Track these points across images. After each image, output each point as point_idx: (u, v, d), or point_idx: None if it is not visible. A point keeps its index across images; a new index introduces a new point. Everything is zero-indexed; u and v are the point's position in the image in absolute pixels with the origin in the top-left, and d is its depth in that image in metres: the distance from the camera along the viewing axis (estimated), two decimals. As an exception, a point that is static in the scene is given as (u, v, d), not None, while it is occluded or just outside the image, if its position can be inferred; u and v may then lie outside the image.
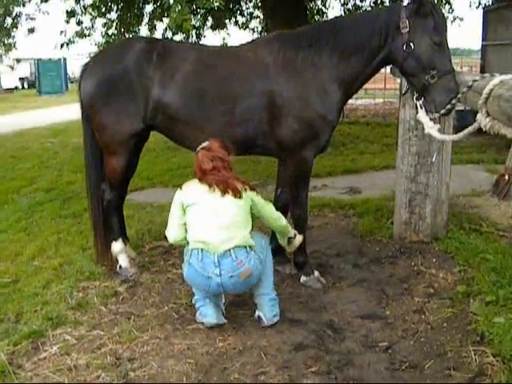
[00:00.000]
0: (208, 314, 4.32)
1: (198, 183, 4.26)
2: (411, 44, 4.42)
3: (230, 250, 4.12)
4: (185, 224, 4.31)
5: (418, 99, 4.54)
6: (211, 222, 4.15)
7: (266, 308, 4.38)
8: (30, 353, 4.04)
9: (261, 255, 4.31)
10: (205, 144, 4.37)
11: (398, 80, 6.28)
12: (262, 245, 4.39)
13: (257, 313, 4.42)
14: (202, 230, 4.18)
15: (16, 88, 42.22)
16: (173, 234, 4.40)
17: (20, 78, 43.54)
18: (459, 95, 4.10)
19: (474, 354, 3.81)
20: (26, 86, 44.55)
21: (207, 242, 4.13)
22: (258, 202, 4.37)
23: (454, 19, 14.21)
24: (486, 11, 14.68)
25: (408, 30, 4.42)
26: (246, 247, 4.19)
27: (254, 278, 4.26)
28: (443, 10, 13.54)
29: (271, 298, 4.42)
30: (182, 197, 4.30)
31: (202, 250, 4.15)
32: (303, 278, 5.13)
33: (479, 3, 14.51)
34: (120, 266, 5.35)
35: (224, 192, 4.17)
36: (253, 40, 5.54)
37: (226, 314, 4.46)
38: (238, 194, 4.19)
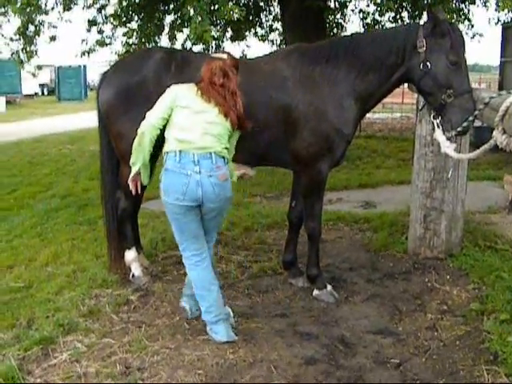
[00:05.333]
0: (219, 332, 4.26)
1: (197, 94, 4.19)
2: (428, 63, 4.43)
3: (210, 153, 4.09)
4: (166, 120, 4.23)
5: (434, 118, 4.53)
6: (200, 126, 4.11)
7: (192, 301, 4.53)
8: (40, 359, 4.05)
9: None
10: (219, 54, 4.37)
11: (416, 95, 6.27)
12: None
13: (183, 304, 4.60)
14: (187, 131, 4.12)
15: (36, 94, 42.61)
16: (151, 120, 4.23)
17: (40, 85, 43.95)
18: (476, 112, 4.09)
19: (487, 374, 3.77)
20: (45, 92, 44.96)
21: (189, 140, 4.08)
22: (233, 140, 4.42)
23: (474, 35, 14.14)
24: (505, 28, 14.59)
25: (425, 49, 4.43)
26: (224, 158, 4.19)
27: (229, 187, 4.23)
28: (463, 26, 13.53)
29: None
30: (177, 93, 4.24)
31: (180, 151, 4.08)
32: (316, 292, 5.10)
33: (498, 20, 14.44)
34: (133, 275, 5.36)
35: (223, 114, 4.16)
36: (271, 52, 5.56)
37: (236, 328, 4.43)
38: (234, 126, 4.23)
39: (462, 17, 13.62)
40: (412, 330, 4.46)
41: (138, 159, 4.31)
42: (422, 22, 4.75)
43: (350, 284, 5.39)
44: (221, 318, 4.29)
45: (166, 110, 4.21)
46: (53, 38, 12.37)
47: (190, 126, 4.13)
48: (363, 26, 14.09)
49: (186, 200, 4.08)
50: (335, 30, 14.81)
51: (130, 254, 5.39)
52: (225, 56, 4.35)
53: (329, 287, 5.11)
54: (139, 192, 4.54)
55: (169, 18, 13.42)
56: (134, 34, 12.82)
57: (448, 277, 5.46)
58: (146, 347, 4.17)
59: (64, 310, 4.75)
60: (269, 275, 5.59)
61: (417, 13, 12.42)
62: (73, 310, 4.76)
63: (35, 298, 5.03)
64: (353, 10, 14.67)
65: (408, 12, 12.96)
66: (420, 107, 5.59)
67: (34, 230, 7.24)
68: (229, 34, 14.86)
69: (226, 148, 4.24)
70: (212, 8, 8.37)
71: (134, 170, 4.36)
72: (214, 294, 4.32)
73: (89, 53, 12.90)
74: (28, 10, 10.40)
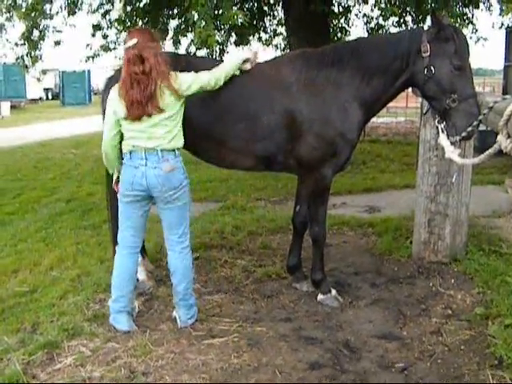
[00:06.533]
0: (121, 322, 4.53)
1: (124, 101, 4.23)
2: (432, 68, 4.43)
3: (157, 151, 4.26)
4: (120, 132, 4.41)
5: (439, 123, 4.53)
6: (143, 133, 4.24)
7: (181, 310, 4.61)
8: (45, 363, 4.05)
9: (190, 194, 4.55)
10: (131, 42, 4.22)
11: (420, 99, 6.27)
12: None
13: (174, 313, 4.68)
14: (133, 139, 4.29)
15: (40, 99, 42.80)
16: (107, 141, 4.48)
17: (45, 89, 44.13)
18: (480, 117, 4.09)
19: (492, 378, 3.76)
20: (50, 96, 45.13)
21: (138, 145, 4.27)
22: (187, 88, 4.36)
23: (478, 39, 14.12)
24: (509, 32, 14.59)
25: (429, 53, 4.44)
26: (174, 151, 4.34)
27: (176, 178, 4.34)
28: (467, 31, 13.51)
29: (189, 300, 4.63)
30: (114, 105, 4.32)
31: (131, 151, 4.33)
32: (320, 296, 5.10)
33: (502, 24, 14.43)
34: (137, 279, 5.36)
35: (149, 114, 4.19)
36: (276, 57, 5.55)
37: (240, 332, 4.47)
38: (160, 111, 4.21)
39: (466, 21, 13.60)
40: (416, 335, 4.45)
41: (112, 169, 4.67)
42: (426, 27, 4.76)
43: (355, 288, 5.39)
44: (126, 309, 4.56)
45: (114, 126, 4.42)
46: (57, 43, 12.41)
47: (133, 134, 4.30)
48: (367, 31, 14.09)
49: (134, 190, 4.37)
50: (339, 35, 14.81)
51: (135, 259, 5.39)
52: (134, 41, 4.22)
53: (333, 292, 5.11)
54: None
55: (173, 23, 13.45)
56: (139, 38, 12.84)
57: (452, 281, 5.46)
58: (151, 351, 4.17)
59: (69, 315, 4.75)
60: (273, 280, 5.59)
61: (421, 17, 12.42)
62: (77, 315, 4.76)
63: (40, 303, 5.03)
64: (357, 15, 14.69)
65: (412, 17, 12.95)
66: (424, 111, 5.60)
67: (38, 235, 7.25)
68: (233, 38, 14.88)
69: (178, 133, 4.37)
70: (216, 13, 8.37)
71: (114, 177, 4.71)
72: (130, 288, 4.62)
73: (93, 58, 12.94)
74: (33, 14, 10.44)
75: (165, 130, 4.26)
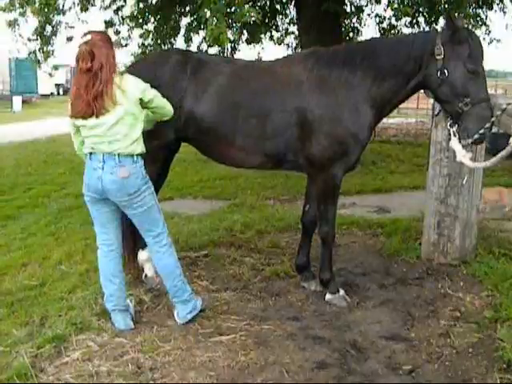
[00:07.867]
0: (117, 320, 4.53)
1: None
2: (445, 71, 4.40)
3: (114, 154, 4.19)
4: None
5: (451, 126, 4.51)
6: (104, 138, 4.15)
7: (178, 306, 4.63)
8: (53, 357, 4.07)
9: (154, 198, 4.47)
10: (84, 39, 4.13)
11: (431, 100, 6.24)
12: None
13: (174, 312, 4.69)
14: (96, 144, 4.21)
15: (52, 94, 42.87)
16: (77, 151, 4.54)
17: (56, 85, 44.21)
18: (493, 119, 4.06)
19: (500, 382, 3.73)
20: (61, 92, 45.21)
21: (100, 148, 4.20)
22: (144, 97, 4.26)
23: (491, 41, 14.06)
24: (523, 34, 14.52)
25: (443, 56, 4.40)
26: (132, 156, 4.25)
27: (131, 184, 4.24)
28: (480, 32, 13.46)
29: (182, 296, 4.61)
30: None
31: (90, 153, 4.27)
32: (328, 296, 5.10)
33: (515, 26, 14.34)
34: (146, 275, 5.38)
35: (96, 114, 4.10)
36: (287, 56, 5.55)
37: (248, 331, 4.48)
38: (107, 112, 4.09)
39: (479, 22, 13.56)
40: (424, 337, 4.43)
41: None
42: (439, 28, 4.72)
43: (363, 289, 5.38)
44: (118, 308, 4.54)
45: (76, 134, 4.38)
46: (70, 39, 12.43)
47: (93, 139, 4.22)
48: (379, 31, 14.07)
49: (90, 191, 4.35)
50: (351, 34, 14.79)
51: (143, 255, 5.39)
52: (87, 37, 4.14)
53: (341, 291, 5.11)
54: None
55: (185, 20, 13.47)
56: (150, 35, 12.89)
57: (461, 283, 5.43)
58: (158, 347, 4.18)
59: (77, 309, 4.76)
60: (281, 278, 5.59)
61: (433, 18, 12.38)
62: (86, 309, 4.77)
63: (48, 296, 5.06)
64: (369, 15, 14.66)
65: (425, 17, 12.92)
66: (436, 112, 5.57)
67: (48, 229, 7.28)
68: (245, 36, 14.87)
69: (138, 137, 4.26)
70: (228, 10, 8.36)
71: None
72: (115, 286, 4.57)
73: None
74: (46, 10, 10.47)
75: (122, 133, 4.16)
